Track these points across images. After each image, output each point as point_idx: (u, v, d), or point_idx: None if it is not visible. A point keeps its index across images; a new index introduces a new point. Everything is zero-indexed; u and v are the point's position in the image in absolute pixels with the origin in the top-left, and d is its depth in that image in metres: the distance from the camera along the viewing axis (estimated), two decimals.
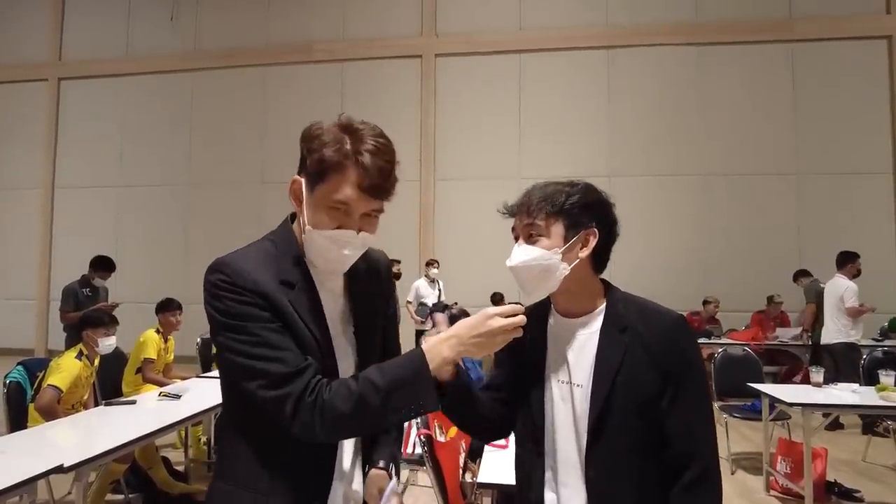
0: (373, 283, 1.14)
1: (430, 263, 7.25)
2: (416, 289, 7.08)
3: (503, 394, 1.27)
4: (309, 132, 0.98)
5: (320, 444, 0.99)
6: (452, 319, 3.30)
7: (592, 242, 1.13)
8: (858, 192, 7.79)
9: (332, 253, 0.99)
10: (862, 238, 7.68)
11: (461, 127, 8.71)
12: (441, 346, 0.97)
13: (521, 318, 0.98)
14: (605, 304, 1.17)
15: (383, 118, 7.11)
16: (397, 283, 6.91)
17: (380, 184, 0.96)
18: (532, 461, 1.19)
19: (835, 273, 5.62)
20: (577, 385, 1.14)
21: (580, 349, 1.15)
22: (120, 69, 9.69)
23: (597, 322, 1.15)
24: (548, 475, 1.18)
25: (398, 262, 6.91)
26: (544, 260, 1.11)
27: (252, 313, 0.94)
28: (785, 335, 6.55)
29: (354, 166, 0.94)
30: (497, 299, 7.08)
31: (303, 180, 0.99)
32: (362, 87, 8.99)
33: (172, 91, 9.55)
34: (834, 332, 5.45)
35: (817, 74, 8.01)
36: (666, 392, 1.09)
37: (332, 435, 0.94)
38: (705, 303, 7.38)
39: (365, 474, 1.14)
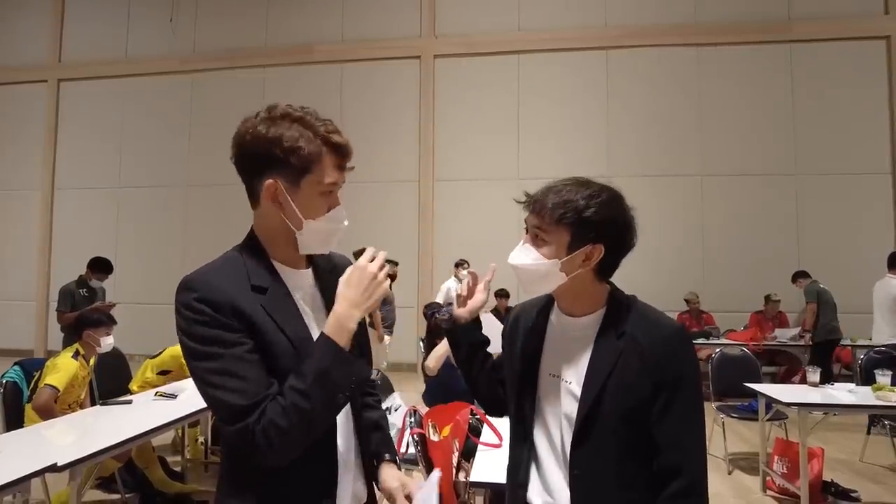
0: (336, 280, 1.14)
1: (460, 264, 6.97)
2: (446, 290, 6.85)
3: (502, 376, 1.32)
4: (264, 136, 0.98)
5: (318, 443, 0.99)
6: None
7: (596, 258, 1.11)
8: (857, 192, 7.78)
9: (333, 235, 1.06)
10: (861, 238, 7.69)
11: (460, 128, 8.72)
12: (342, 322, 0.97)
13: (384, 253, 1.04)
14: (605, 307, 1.17)
15: (383, 119, 7.13)
16: (393, 285, 6.88)
17: (350, 158, 1.05)
18: (520, 447, 1.21)
19: (885, 274, 5.26)
20: (567, 381, 1.15)
21: (575, 348, 1.16)
22: (119, 71, 9.71)
23: (595, 324, 1.15)
24: (533, 464, 1.20)
25: (396, 263, 6.89)
26: (541, 266, 1.11)
27: (220, 338, 0.93)
28: (783, 335, 6.54)
29: (330, 151, 1.01)
30: (503, 295, 7.08)
31: (278, 182, 0.99)
32: (362, 89, 9.00)
33: (172, 92, 9.57)
34: (888, 334, 5.17)
35: (816, 75, 8.01)
36: (657, 401, 1.07)
37: (287, 452, 0.92)
38: (687, 301, 7.38)
39: (369, 467, 1.15)
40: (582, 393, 1.11)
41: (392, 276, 6.72)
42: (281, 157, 0.97)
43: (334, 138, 1.01)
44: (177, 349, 4.07)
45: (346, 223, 1.07)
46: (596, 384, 1.09)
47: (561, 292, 1.16)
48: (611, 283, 1.20)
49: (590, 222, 1.08)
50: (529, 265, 1.12)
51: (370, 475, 1.15)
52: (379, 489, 1.14)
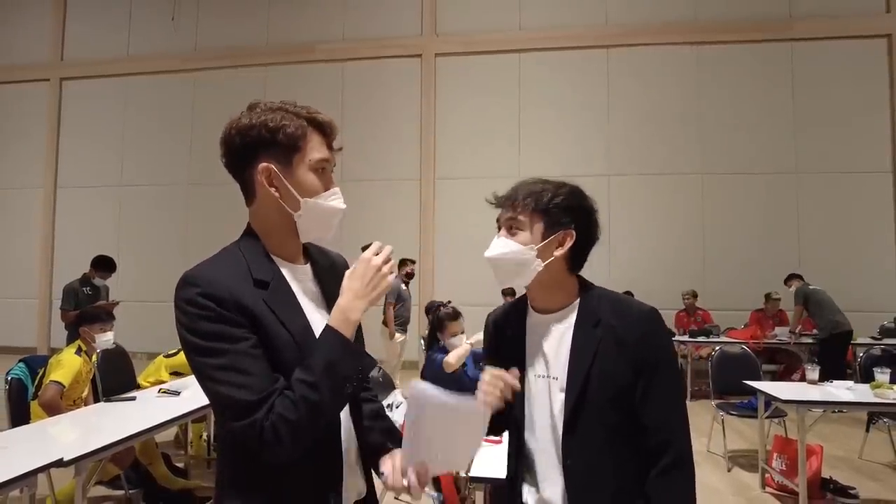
0: (334, 277, 1.12)
1: None
2: None
3: None
4: (248, 124, 1.01)
5: (322, 440, 0.99)
6: (447, 317, 3.31)
7: (568, 243, 1.17)
8: (858, 191, 7.79)
9: (332, 216, 1.06)
10: (861, 237, 7.70)
11: (461, 126, 8.74)
12: (346, 314, 0.98)
13: (389, 247, 1.04)
14: (579, 299, 1.21)
15: (384, 118, 7.14)
16: (410, 282, 6.74)
17: (335, 136, 1.07)
18: (513, 450, 1.24)
19: None
20: (554, 378, 1.18)
21: (556, 343, 1.19)
22: (121, 69, 9.74)
23: (571, 317, 1.20)
24: (527, 464, 1.22)
25: (413, 261, 6.82)
26: (519, 255, 1.16)
27: (224, 333, 0.92)
28: (783, 334, 6.56)
29: (315, 129, 1.04)
30: (510, 293, 7.06)
31: (271, 164, 1.01)
32: (363, 87, 9.02)
33: (173, 91, 9.61)
34: None
35: (817, 73, 8.02)
36: (639, 383, 1.12)
37: (296, 446, 0.92)
38: (683, 298, 7.42)
39: (367, 462, 1.13)
40: (567, 384, 1.15)
41: (410, 275, 6.67)
42: (269, 137, 1.00)
43: (317, 117, 1.04)
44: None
45: (344, 205, 1.07)
46: (580, 374, 1.13)
47: (536, 285, 1.19)
48: (580, 276, 1.25)
49: (560, 208, 1.16)
50: (507, 253, 1.17)
51: (368, 470, 1.14)
52: (381, 479, 1.09)
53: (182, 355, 4.03)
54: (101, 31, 9.88)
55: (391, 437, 1.17)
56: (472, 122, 8.70)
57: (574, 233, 1.17)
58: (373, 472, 1.14)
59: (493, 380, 1.13)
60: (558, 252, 1.17)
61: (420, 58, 8.88)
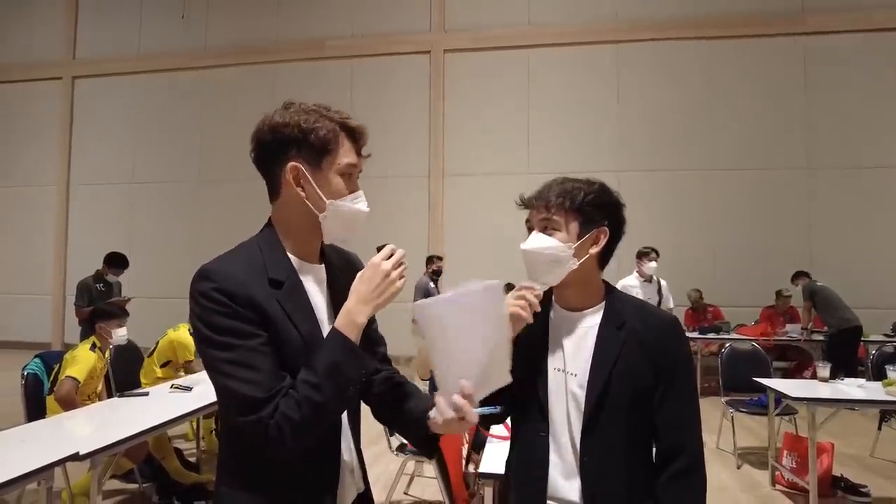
0: (348, 277, 1.10)
1: (644, 255, 5.76)
2: (630, 288, 5.47)
3: None
4: (281, 122, 1.02)
5: (322, 438, 1.00)
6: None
7: (603, 240, 1.19)
8: (871, 186, 7.69)
9: (356, 219, 1.06)
10: (874, 233, 7.62)
11: (470, 122, 8.72)
12: (352, 317, 0.98)
13: (402, 251, 1.01)
14: (604, 301, 1.23)
15: (392, 114, 7.12)
16: (438, 279, 6.72)
17: (365, 142, 1.08)
18: (534, 444, 1.23)
19: None
20: (572, 374, 1.19)
21: (578, 341, 1.21)
22: (132, 67, 9.82)
23: (596, 317, 1.21)
24: (542, 459, 1.22)
25: (440, 258, 6.81)
26: (558, 251, 1.17)
27: (236, 328, 0.94)
28: (794, 330, 6.52)
29: (347, 134, 1.05)
30: (509, 288, 7.03)
31: (299, 164, 1.02)
32: (372, 84, 9.03)
33: (184, 88, 9.67)
34: None
35: (829, 68, 7.91)
36: (658, 386, 1.15)
37: (299, 445, 0.93)
38: (688, 297, 7.39)
39: (410, 428, 1.14)
40: (588, 384, 1.16)
41: (437, 272, 6.63)
42: (300, 137, 1.01)
43: (349, 122, 1.05)
44: (167, 337, 4.09)
45: (367, 208, 1.07)
46: (602, 374, 1.15)
47: (568, 282, 1.20)
48: (604, 279, 1.27)
49: (594, 205, 1.17)
50: (545, 248, 1.17)
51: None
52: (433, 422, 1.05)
53: (161, 343, 4.08)
54: (112, 30, 9.96)
55: (426, 402, 1.12)
56: (481, 118, 8.69)
57: (608, 230, 1.19)
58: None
59: (519, 294, 1.15)
60: (593, 250, 1.19)
61: (429, 54, 8.87)
